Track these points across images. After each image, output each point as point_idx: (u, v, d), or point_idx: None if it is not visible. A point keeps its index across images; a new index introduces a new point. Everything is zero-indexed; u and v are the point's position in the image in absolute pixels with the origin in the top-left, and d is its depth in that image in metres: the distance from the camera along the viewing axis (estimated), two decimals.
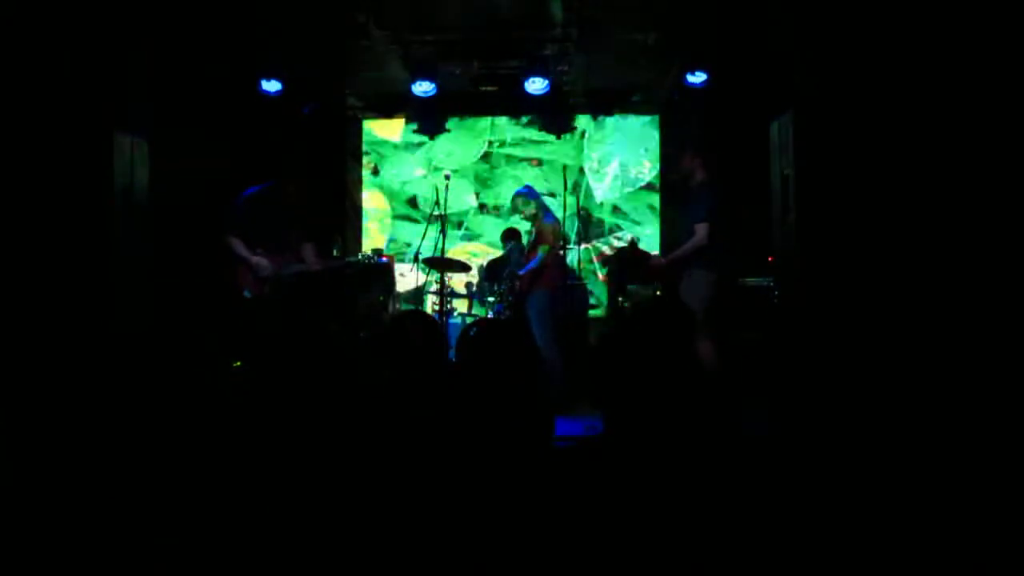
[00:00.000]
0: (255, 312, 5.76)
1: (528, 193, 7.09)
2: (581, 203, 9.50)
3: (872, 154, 5.56)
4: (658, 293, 7.52)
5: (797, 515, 2.41)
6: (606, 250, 9.66)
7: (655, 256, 6.77)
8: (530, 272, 6.66)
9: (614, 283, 8.37)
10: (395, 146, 10.04)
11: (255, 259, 5.78)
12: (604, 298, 9.17)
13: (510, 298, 7.14)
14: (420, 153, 9.99)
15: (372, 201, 10.03)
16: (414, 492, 2.31)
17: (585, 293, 8.30)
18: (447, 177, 7.56)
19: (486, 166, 10.00)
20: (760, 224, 6.70)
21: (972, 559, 2.52)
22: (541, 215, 6.92)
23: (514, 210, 7.16)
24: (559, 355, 6.56)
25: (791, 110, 6.09)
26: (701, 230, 5.87)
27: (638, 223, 9.78)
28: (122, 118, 6.04)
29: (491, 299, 7.67)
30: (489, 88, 8.92)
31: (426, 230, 7.45)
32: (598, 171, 9.84)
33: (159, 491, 2.67)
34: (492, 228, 9.67)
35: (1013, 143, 4.75)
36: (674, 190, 9.28)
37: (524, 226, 7.41)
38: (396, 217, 9.99)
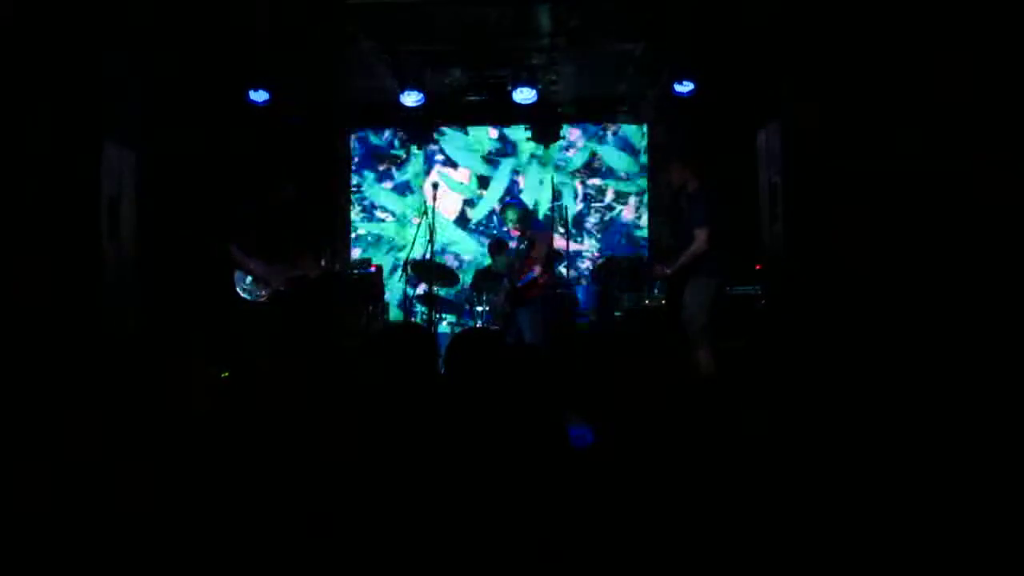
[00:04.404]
0: (255, 317, 5.76)
1: (517, 203, 7.13)
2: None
3: (859, 162, 5.59)
4: (647, 302, 7.54)
5: (791, 519, 2.43)
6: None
7: (658, 266, 6.66)
8: (529, 282, 6.67)
9: (605, 292, 8.38)
10: None
11: (253, 264, 5.81)
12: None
13: (503, 307, 7.15)
14: None
15: None
16: (420, 500, 2.32)
17: (575, 301, 8.31)
18: (435, 187, 7.56)
19: None
20: (747, 232, 6.72)
21: (964, 557, 2.54)
22: (531, 224, 6.96)
23: (504, 220, 7.16)
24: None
25: (778, 119, 6.13)
26: (701, 235, 5.79)
27: None
28: (110, 128, 6.03)
29: (480, 308, 7.68)
30: (477, 97, 8.94)
31: (415, 239, 7.44)
32: None
33: (147, 496, 2.66)
34: None
35: (998, 148, 4.79)
36: (663, 199, 9.32)
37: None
38: None
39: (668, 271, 6.21)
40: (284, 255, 5.90)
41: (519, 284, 6.72)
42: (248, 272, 5.78)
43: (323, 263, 6.29)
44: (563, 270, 8.44)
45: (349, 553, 2.28)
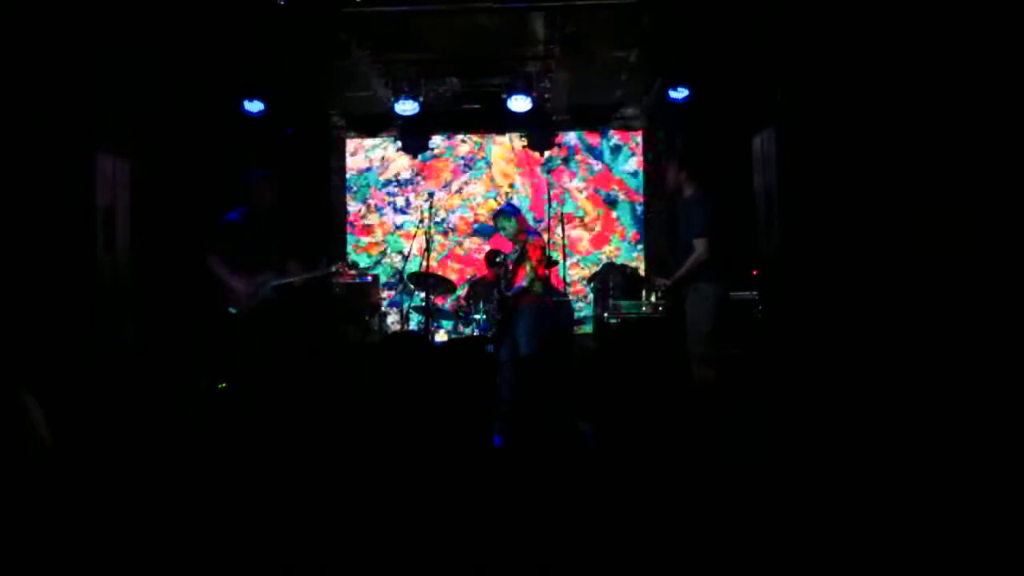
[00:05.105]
0: (240, 328, 5.64)
1: (510, 210, 7.07)
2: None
3: (854, 167, 5.59)
4: (643, 309, 7.51)
5: (788, 525, 2.42)
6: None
7: (657, 278, 6.51)
8: (519, 291, 6.60)
9: (600, 299, 8.37)
10: None
11: (234, 283, 5.63)
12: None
13: (496, 316, 7.12)
14: None
15: None
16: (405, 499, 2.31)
17: (570, 309, 8.29)
18: (431, 195, 7.55)
19: None
20: (743, 238, 6.69)
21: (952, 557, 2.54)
22: (524, 232, 6.89)
23: (497, 228, 7.11)
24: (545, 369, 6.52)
25: (774, 124, 6.12)
26: (700, 245, 5.61)
27: None
28: (104, 139, 6.01)
29: (477, 317, 7.66)
30: (473, 106, 8.95)
31: (411, 249, 7.43)
32: None
33: (142, 503, 2.65)
34: None
35: (992, 153, 4.80)
36: (659, 205, 9.33)
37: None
38: None
39: (668, 282, 6.07)
40: (269, 264, 5.75)
41: (508, 293, 6.67)
42: (227, 287, 5.60)
43: (319, 271, 6.20)
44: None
45: (348, 555, 2.27)
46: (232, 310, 5.61)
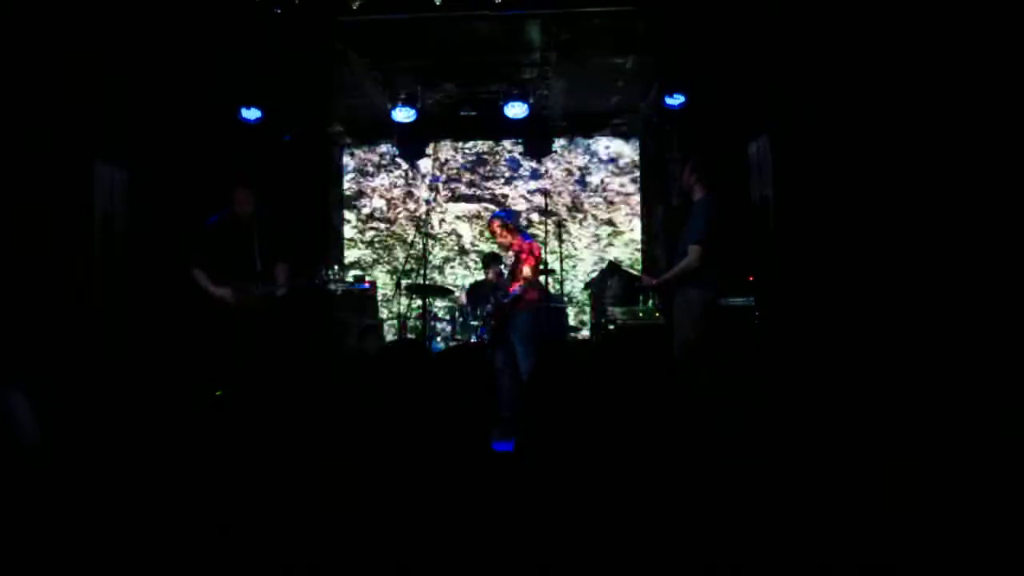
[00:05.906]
0: (226, 338, 5.57)
1: (505, 216, 7.07)
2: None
3: (850, 172, 5.61)
4: (640, 315, 7.51)
5: (782, 534, 2.44)
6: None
7: (645, 277, 6.53)
8: (514, 298, 6.60)
9: (598, 305, 8.37)
10: None
11: (215, 289, 5.59)
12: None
13: (492, 322, 7.13)
14: None
15: None
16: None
17: (565, 315, 8.28)
18: (428, 202, 7.56)
19: None
20: (739, 244, 6.69)
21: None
22: (519, 238, 6.90)
23: (492, 234, 7.11)
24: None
25: (769, 131, 6.13)
26: (693, 252, 5.63)
27: None
28: (103, 148, 6.02)
29: (474, 323, 7.66)
30: (470, 113, 8.97)
31: (409, 252, 7.42)
32: None
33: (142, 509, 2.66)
34: None
35: (984, 159, 4.82)
36: (654, 209, 9.35)
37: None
38: None
39: (654, 282, 6.12)
40: (253, 270, 5.66)
41: (503, 300, 6.66)
42: (211, 296, 5.55)
43: (317, 280, 6.18)
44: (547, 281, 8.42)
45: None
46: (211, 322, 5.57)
